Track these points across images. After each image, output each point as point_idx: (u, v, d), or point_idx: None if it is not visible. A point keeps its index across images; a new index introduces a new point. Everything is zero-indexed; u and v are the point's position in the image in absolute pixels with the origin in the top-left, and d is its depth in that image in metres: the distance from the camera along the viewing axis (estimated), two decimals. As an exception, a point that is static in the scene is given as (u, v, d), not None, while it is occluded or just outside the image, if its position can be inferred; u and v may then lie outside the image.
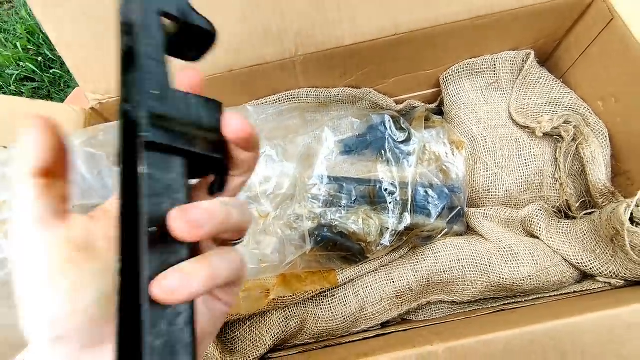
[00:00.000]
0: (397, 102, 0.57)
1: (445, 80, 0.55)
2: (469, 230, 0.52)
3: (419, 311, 0.52)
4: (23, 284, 0.15)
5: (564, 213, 0.51)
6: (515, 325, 0.31)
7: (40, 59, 1.12)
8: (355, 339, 0.45)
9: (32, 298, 0.15)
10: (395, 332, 0.45)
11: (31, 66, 1.10)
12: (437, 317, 0.51)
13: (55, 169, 0.16)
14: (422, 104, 0.58)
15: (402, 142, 0.52)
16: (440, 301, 0.51)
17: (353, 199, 0.47)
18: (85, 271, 0.16)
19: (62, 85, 1.12)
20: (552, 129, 0.49)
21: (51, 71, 1.11)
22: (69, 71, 0.44)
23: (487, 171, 0.50)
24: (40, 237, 0.15)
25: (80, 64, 0.44)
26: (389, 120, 0.53)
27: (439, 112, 0.59)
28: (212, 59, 0.43)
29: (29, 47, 1.12)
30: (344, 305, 0.48)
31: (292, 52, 0.44)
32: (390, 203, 0.48)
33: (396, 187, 0.48)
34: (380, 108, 0.56)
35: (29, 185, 0.15)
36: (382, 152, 0.51)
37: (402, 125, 0.53)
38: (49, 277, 0.15)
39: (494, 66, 0.53)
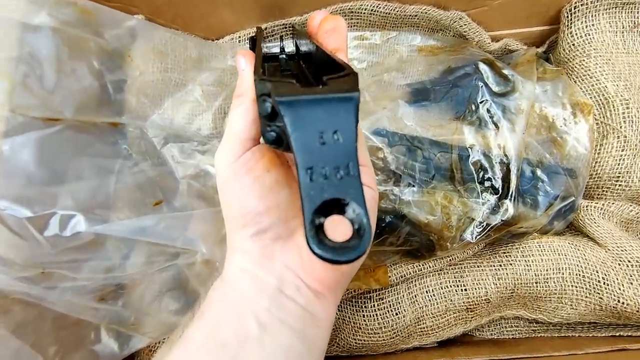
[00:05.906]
0: (491, 40, 0.40)
1: (572, 11, 0.37)
2: (571, 228, 0.38)
3: (486, 326, 0.39)
4: (230, 189, 0.19)
5: None
6: None
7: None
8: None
9: (239, 199, 0.19)
10: (468, 361, 0.32)
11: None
12: (510, 336, 0.39)
13: None
14: (527, 47, 0.41)
15: (502, 95, 0.36)
16: (517, 317, 0.38)
17: (432, 174, 0.32)
18: (281, 175, 0.20)
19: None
20: None
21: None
22: None
23: (622, 150, 0.35)
24: (249, 150, 0.19)
25: None
26: (483, 63, 0.36)
27: (546, 60, 0.42)
28: None
29: None
30: (396, 314, 0.35)
31: None
32: (481, 183, 0.33)
33: (492, 161, 0.33)
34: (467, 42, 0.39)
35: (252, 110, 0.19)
36: (472, 106, 0.35)
37: (504, 71, 0.36)
38: (254, 179, 0.19)
39: (652, -4, 0.36)
